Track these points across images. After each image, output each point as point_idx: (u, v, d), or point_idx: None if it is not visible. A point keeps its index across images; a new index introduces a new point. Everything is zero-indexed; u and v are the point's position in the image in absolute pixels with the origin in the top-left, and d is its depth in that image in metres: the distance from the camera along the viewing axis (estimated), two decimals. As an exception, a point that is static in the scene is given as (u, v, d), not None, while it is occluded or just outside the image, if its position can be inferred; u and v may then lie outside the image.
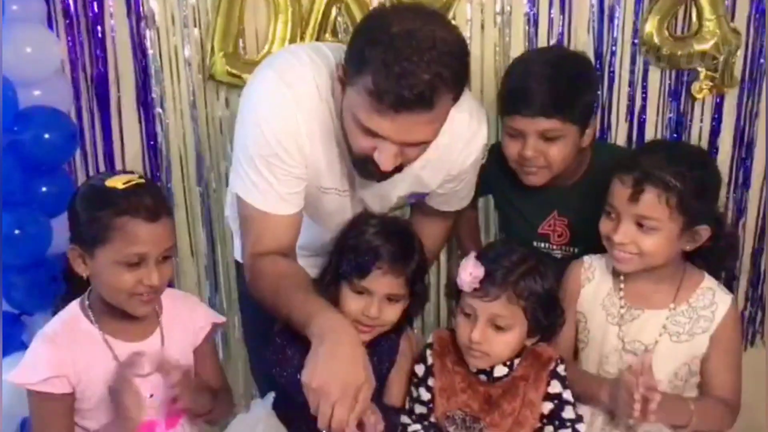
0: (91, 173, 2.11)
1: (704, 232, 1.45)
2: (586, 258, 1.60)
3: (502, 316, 1.40)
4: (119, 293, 1.31)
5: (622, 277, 1.53)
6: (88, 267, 1.32)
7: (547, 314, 1.43)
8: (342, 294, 1.48)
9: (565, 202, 1.70)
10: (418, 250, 1.49)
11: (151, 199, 1.29)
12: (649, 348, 1.49)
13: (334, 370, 1.20)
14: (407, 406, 1.51)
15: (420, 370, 1.51)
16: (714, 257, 1.52)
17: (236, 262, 1.82)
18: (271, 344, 1.52)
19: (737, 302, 1.60)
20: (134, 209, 1.27)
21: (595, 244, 1.54)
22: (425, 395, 1.49)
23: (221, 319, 1.53)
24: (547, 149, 1.56)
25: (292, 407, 1.49)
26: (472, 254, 1.43)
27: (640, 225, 1.42)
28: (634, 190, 1.40)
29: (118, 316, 1.35)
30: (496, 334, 1.41)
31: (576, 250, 1.71)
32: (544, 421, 1.42)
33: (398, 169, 1.41)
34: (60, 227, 1.71)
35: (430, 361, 1.50)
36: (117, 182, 1.29)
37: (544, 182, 1.63)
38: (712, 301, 1.49)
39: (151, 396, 1.39)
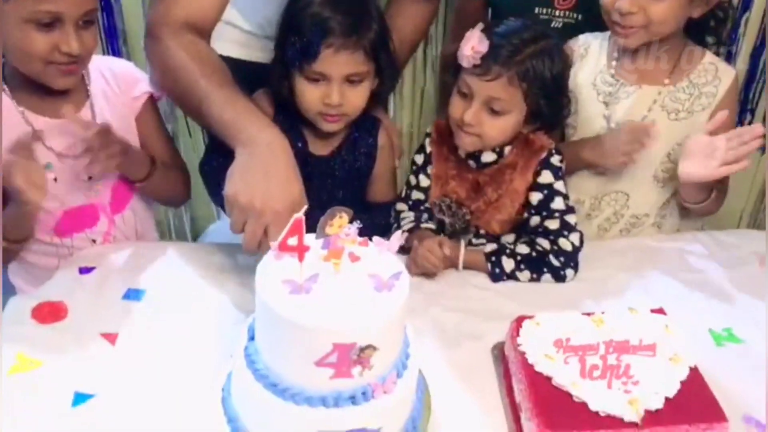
0: None
1: None
2: (581, 36, 1.49)
3: (499, 99, 1.25)
4: (31, 60, 1.15)
5: (615, 54, 1.43)
6: None
7: (551, 103, 1.29)
8: (296, 85, 1.29)
9: None
10: (375, 16, 1.29)
11: None
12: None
13: (269, 188, 1.06)
14: (404, 193, 1.44)
15: (420, 159, 1.43)
16: (716, 26, 1.40)
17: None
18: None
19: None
20: None
21: (599, 13, 1.40)
22: (424, 182, 1.43)
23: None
24: None
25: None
26: (479, 25, 1.25)
27: None
28: None
29: (38, 88, 1.21)
30: (490, 118, 1.27)
31: (579, 17, 1.55)
32: (532, 211, 1.33)
33: None
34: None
35: (429, 149, 1.42)
36: None
37: None
38: (715, 76, 1.40)
39: (90, 178, 1.29)
